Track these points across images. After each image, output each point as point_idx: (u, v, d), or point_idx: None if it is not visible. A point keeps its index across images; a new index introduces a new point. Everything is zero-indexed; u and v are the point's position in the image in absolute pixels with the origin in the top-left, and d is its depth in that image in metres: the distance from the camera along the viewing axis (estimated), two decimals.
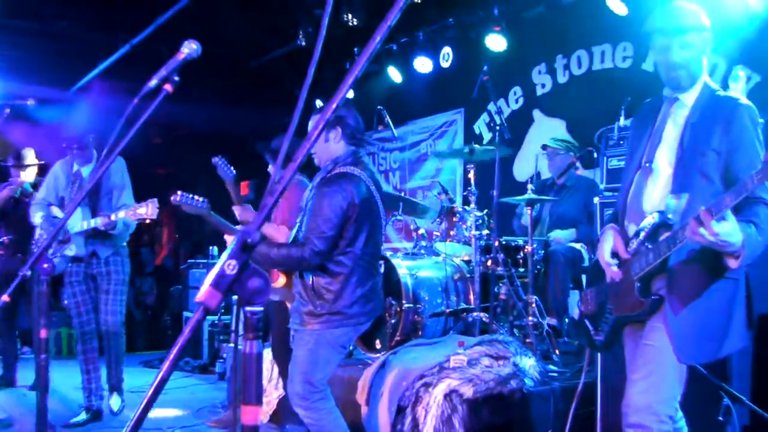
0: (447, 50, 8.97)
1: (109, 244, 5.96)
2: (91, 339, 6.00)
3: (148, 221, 5.44)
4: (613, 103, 5.28)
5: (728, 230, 2.57)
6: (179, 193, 4.58)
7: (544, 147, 6.77)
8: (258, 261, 3.88)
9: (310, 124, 4.06)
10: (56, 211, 6.04)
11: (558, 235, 6.20)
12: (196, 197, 4.60)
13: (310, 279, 3.95)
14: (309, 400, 3.92)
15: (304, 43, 9.01)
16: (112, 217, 5.54)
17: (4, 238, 7.09)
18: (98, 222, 5.63)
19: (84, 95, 9.46)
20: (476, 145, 6.21)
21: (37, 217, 5.98)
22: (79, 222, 5.75)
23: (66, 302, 6.02)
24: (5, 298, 2.61)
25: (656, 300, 2.90)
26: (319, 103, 9.33)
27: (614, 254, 3.11)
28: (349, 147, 4.10)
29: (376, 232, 4.11)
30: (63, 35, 8.84)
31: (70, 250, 5.84)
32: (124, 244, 6.14)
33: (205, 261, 9.71)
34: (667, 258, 2.84)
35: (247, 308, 1.43)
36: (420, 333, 5.64)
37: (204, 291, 1.38)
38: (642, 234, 2.96)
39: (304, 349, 3.95)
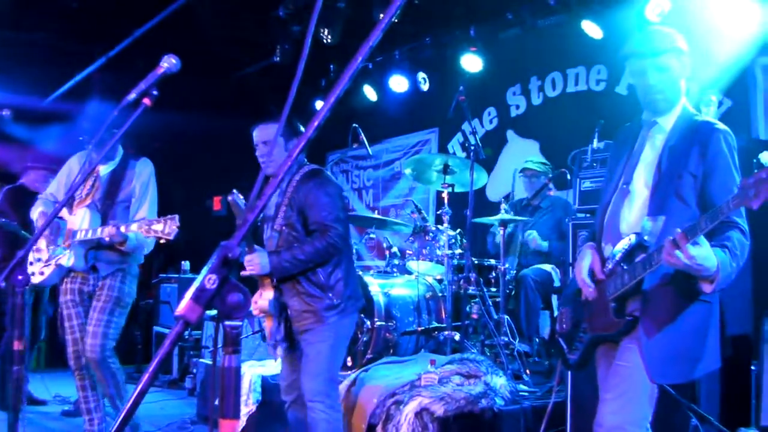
0: (422, 71, 9.03)
1: (114, 260, 4.91)
2: (90, 373, 4.89)
3: (163, 241, 4.32)
4: (586, 125, 5.33)
5: (703, 254, 2.59)
6: (235, 192, 4.00)
7: (524, 170, 6.82)
8: (287, 268, 3.88)
9: (257, 134, 4.06)
10: (62, 211, 4.87)
11: (534, 235, 6.28)
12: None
13: (318, 274, 3.99)
14: (331, 398, 3.93)
15: (280, 59, 9.00)
16: (122, 229, 4.53)
17: None
18: (104, 233, 4.61)
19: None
20: (451, 158, 6.29)
21: (35, 213, 4.96)
22: (85, 227, 4.76)
23: (61, 324, 4.97)
24: None
25: (630, 321, 2.91)
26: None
27: (591, 273, 3.13)
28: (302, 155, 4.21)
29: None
30: (40, 45, 8.79)
31: (67, 260, 4.79)
32: (135, 264, 5.07)
33: (177, 276, 9.61)
34: (642, 279, 2.85)
35: (227, 322, 1.44)
36: (392, 351, 5.66)
37: (184, 304, 1.39)
38: (618, 255, 2.97)
39: (325, 345, 3.94)
